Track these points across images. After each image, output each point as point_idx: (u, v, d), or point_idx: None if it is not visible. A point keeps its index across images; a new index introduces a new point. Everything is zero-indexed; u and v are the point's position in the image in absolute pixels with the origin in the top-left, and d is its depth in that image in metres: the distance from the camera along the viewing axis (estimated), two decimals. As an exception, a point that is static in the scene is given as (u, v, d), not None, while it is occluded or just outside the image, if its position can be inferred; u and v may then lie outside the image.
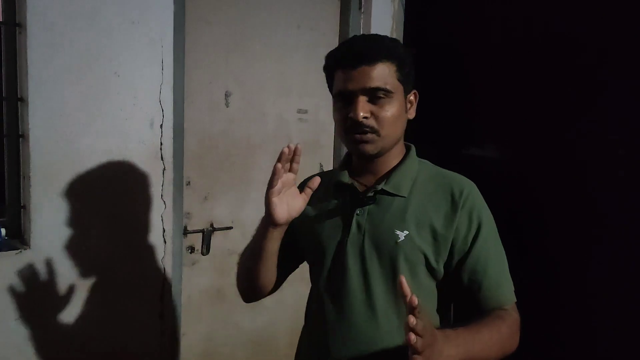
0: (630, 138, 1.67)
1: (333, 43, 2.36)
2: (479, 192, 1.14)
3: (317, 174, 1.26)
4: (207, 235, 2.08)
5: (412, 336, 0.79)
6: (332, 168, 2.27)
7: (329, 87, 1.19)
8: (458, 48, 2.28)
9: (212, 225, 2.11)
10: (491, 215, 1.14)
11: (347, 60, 1.08)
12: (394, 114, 1.08)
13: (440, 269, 1.11)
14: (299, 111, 2.32)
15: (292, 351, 1.82)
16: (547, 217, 1.91)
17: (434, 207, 1.11)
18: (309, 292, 1.30)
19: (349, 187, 1.17)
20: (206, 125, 2.06)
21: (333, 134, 2.44)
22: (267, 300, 2.24)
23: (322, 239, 1.18)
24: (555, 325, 1.88)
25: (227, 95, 2.10)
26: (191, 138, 2.01)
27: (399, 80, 1.09)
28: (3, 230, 1.63)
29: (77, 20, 1.63)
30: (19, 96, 1.63)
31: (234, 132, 2.13)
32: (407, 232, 1.09)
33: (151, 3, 1.75)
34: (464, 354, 0.92)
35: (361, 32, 2.40)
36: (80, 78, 1.65)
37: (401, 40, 2.53)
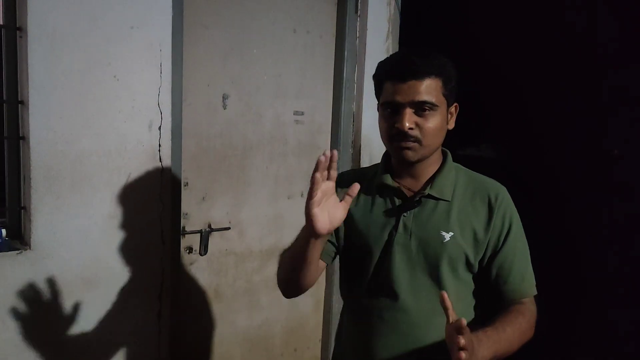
0: (626, 138, 1.70)
1: (329, 46, 2.39)
2: (509, 195, 1.26)
3: (349, 172, 1.42)
4: (204, 235, 2.11)
5: (463, 355, 0.92)
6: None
7: (376, 94, 1.26)
8: (454, 51, 2.30)
9: (209, 225, 2.14)
10: (519, 217, 1.26)
11: (397, 73, 1.16)
12: (436, 125, 1.17)
13: (477, 264, 1.23)
14: (296, 113, 2.34)
15: (288, 349, 1.88)
16: (544, 217, 1.94)
17: (474, 211, 1.23)
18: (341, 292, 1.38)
19: (395, 190, 1.25)
20: (204, 127, 2.08)
21: (329, 135, 2.47)
22: (263, 300, 2.28)
23: (369, 238, 1.25)
24: (555, 326, 1.91)
25: (224, 97, 2.12)
26: (189, 140, 2.03)
27: (443, 94, 1.18)
28: (3, 231, 1.65)
29: (78, 25, 1.65)
30: (19, 99, 1.65)
31: (231, 134, 2.16)
32: (452, 234, 1.20)
33: (150, 8, 1.77)
34: (494, 352, 1.06)
35: (357, 36, 2.43)
36: (80, 81, 1.67)
37: (397, 43, 2.55)
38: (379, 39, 2.48)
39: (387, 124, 1.20)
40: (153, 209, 1.87)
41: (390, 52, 2.53)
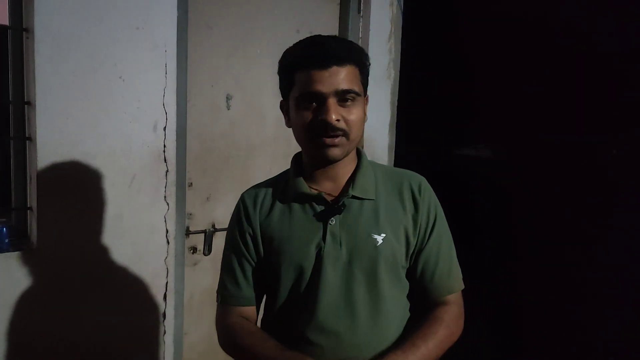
0: (623, 138, 1.71)
1: (332, 47, 2.40)
2: (429, 185, 1.19)
3: (254, 187, 1.22)
4: (208, 235, 2.11)
5: None
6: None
7: (283, 88, 1.12)
8: (456, 51, 2.31)
9: (213, 225, 2.14)
10: (441, 207, 1.19)
11: (317, 59, 1.03)
12: (360, 117, 1.07)
13: (407, 264, 1.15)
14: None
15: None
16: (539, 217, 1.95)
17: (402, 207, 1.14)
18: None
19: (313, 197, 1.12)
20: (208, 128, 2.09)
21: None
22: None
23: (295, 256, 1.10)
24: (555, 326, 1.92)
25: (228, 98, 2.13)
26: (193, 140, 2.04)
27: (362, 83, 1.09)
28: (4, 229, 1.65)
29: (83, 26, 1.66)
30: (25, 100, 1.66)
31: (234, 134, 2.17)
32: (385, 235, 1.10)
33: (155, 9, 1.78)
34: None
35: (360, 36, 2.44)
36: (85, 82, 1.68)
37: (399, 44, 2.56)
38: (381, 40, 2.49)
39: (306, 119, 1.05)
40: (158, 209, 1.88)
41: (393, 53, 2.54)
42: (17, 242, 1.68)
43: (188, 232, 2.06)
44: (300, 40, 1.11)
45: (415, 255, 1.15)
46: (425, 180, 1.18)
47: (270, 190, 1.19)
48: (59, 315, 1.72)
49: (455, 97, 2.30)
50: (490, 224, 2.14)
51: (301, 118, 1.06)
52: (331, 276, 1.09)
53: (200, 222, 2.11)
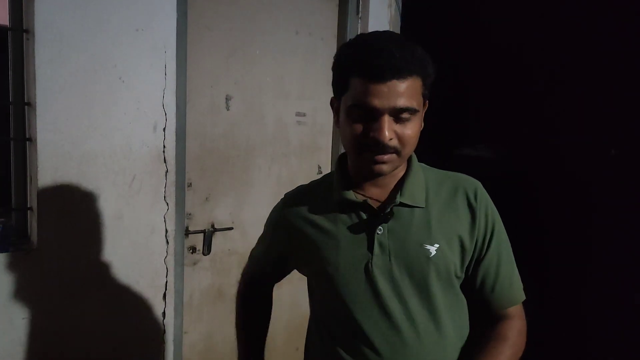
0: (622, 138, 1.71)
1: (331, 48, 2.41)
2: (486, 190, 1.11)
3: (296, 192, 1.19)
4: (208, 235, 2.12)
5: None
6: (322, 174, 2.29)
7: (337, 89, 1.02)
8: (454, 53, 2.32)
9: (213, 225, 2.15)
10: (498, 213, 1.11)
11: (375, 69, 0.92)
12: (415, 132, 0.98)
13: (463, 275, 1.07)
14: (298, 114, 2.36)
15: (290, 348, 1.88)
16: (542, 217, 1.96)
17: (455, 215, 1.06)
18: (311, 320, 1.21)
19: (359, 205, 1.05)
20: (207, 128, 2.10)
21: (331, 136, 2.49)
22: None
23: (341, 267, 1.04)
24: (554, 326, 1.93)
25: (227, 99, 2.14)
26: (193, 141, 2.05)
27: (423, 95, 0.99)
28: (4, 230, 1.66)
29: (84, 28, 1.66)
30: (26, 100, 1.66)
31: (234, 135, 2.18)
32: (438, 245, 1.02)
33: (155, 11, 1.79)
34: None
35: (358, 37, 2.44)
36: (86, 83, 1.69)
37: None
38: (380, 41, 2.50)
39: (357, 131, 0.96)
40: (158, 209, 1.89)
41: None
42: (18, 242, 1.68)
43: (187, 232, 2.07)
44: (359, 38, 1.00)
45: (473, 266, 1.07)
46: (481, 184, 1.10)
47: (314, 193, 1.14)
48: (59, 314, 1.73)
49: (455, 98, 2.31)
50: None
51: (351, 129, 0.97)
52: (384, 289, 1.02)
53: (199, 222, 2.12)
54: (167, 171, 1.89)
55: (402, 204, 1.04)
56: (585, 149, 1.82)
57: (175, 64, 1.87)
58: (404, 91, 0.93)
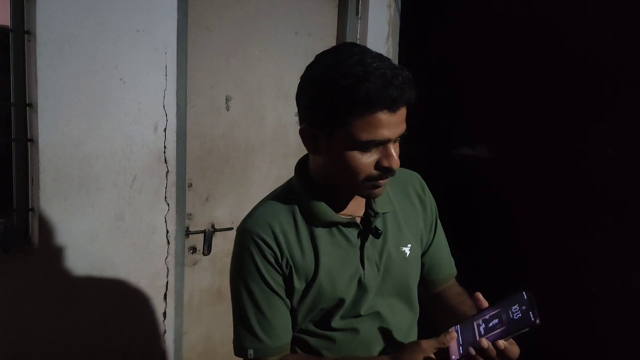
0: (620, 138, 1.72)
1: (330, 48, 2.41)
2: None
3: (264, 215, 1.02)
4: (208, 235, 2.13)
5: None
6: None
7: (326, 120, 0.90)
8: (453, 53, 2.33)
9: (213, 226, 2.16)
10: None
11: (389, 100, 0.85)
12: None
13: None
14: (297, 114, 2.35)
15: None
16: (538, 217, 1.97)
17: (414, 211, 1.11)
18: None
19: (346, 223, 1.01)
20: (207, 129, 2.10)
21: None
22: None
23: (337, 288, 1.00)
24: (553, 324, 1.94)
25: (227, 99, 2.14)
26: (193, 141, 2.05)
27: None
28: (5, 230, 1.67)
29: (85, 28, 1.67)
30: (27, 102, 1.67)
31: (234, 135, 2.18)
32: (410, 245, 1.07)
33: (156, 12, 1.79)
34: None
35: (358, 38, 2.45)
36: (87, 84, 1.69)
37: (397, 46, 2.58)
38: (379, 42, 2.51)
39: (364, 163, 0.90)
40: (158, 209, 1.89)
41: (391, 55, 2.56)
42: (19, 243, 1.68)
43: (188, 233, 2.08)
44: (353, 67, 0.86)
45: (427, 250, 1.15)
46: (419, 175, 1.17)
47: (283, 217, 1.01)
48: (60, 315, 1.73)
49: (453, 98, 2.32)
50: (487, 224, 2.17)
51: (357, 162, 0.90)
52: (375, 300, 1.04)
53: (199, 223, 2.13)
54: (167, 171, 1.90)
55: (377, 214, 1.04)
56: (584, 148, 1.82)
57: (176, 64, 1.87)
58: (404, 116, 0.91)
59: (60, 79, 1.64)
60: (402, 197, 1.10)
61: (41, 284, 1.68)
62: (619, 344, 1.74)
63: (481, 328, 0.89)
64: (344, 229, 1.02)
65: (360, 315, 1.04)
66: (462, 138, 2.29)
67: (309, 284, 1.00)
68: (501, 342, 0.85)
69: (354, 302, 1.03)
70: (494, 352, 0.85)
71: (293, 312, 1.04)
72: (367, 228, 1.03)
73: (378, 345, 1.07)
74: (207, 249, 2.14)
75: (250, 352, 1.03)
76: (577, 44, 1.84)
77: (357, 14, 2.44)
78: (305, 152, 1.04)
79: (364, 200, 1.05)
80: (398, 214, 1.07)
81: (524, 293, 0.88)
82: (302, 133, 0.97)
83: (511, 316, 0.86)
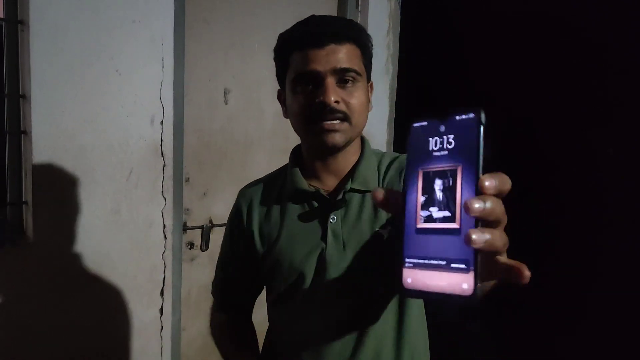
0: (620, 137, 1.70)
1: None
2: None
3: (256, 182, 1.14)
4: (206, 231, 2.10)
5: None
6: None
7: (279, 74, 1.04)
8: (454, 46, 2.31)
9: (211, 221, 2.13)
10: None
11: (312, 37, 0.94)
12: (362, 101, 0.97)
13: None
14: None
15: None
16: (537, 216, 1.94)
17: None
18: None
19: (312, 194, 1.02)
20: (205, 122, 2.08)
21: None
22: (263, 296, 2.28)
23: (295, 259, 1.00)
24: (552, 324, 1.91)
25: (226, 92, 2.11)
26: (191, 135, 2.02)
27: (364, 64, 0.99)
28: None
29: (79, 19, 1.64)
30: (21, 93, 1.63)
31: (232, 129, 2.15)
32: (390, 228, 0.99)
33: (152, 2, 1.77)
34: None
35: (358, 31, 2.42)
36: (81, 75, 1.66)
37: (397, 39, 2.55)
38: (379, 35, 2.48)
39: (302, 102, 0.95)
40: (155, 203, 1.87)
41: (391, 48, 2.53)
42: (13, 237, 1.66)
43: (185, 228, 2.05)
44: (297, 22, 1.01)
45: None
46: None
47: (267, 187, 1.10)
48: (56, 310, 1.70)
49: (454, 92, 2.29)
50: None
51: (297, 102, 0.96)
52: (335, 277, 0.97)
53: (197, 218, 2.10)
54: (164, 165, 1.87)
55: (353, 190, 1.01)
56: (583, 148, 1.80)
57: (173, 56, 1.84)
58: (344, 54, 0.94)
59: (55, 70, 1.61)
60: (392, 176, 1.03)
61: (36, 279, 1.65)
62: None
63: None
64: (313, 202, 1.02)
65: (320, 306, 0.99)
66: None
67: (269, 248, 1.04)
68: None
69: (314, 280, 0.98)
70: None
71: (256, 278, 1.12)
72: (335, 201, 1.00)
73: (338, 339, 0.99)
74: (205, 244, 2.11)
75: (212, 291, 1.22)
76: (579, 38, 1.82)
77: (357, 7, 2.41)
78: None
79: (344, 173, 1.04)
80: None
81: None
82: (278, 97, 1.09)
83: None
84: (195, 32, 1.99)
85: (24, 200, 1.69)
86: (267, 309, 1.14)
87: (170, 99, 1.86)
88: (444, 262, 0.47)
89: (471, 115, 0.49)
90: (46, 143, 1.62)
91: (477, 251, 0.45)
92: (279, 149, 2.27)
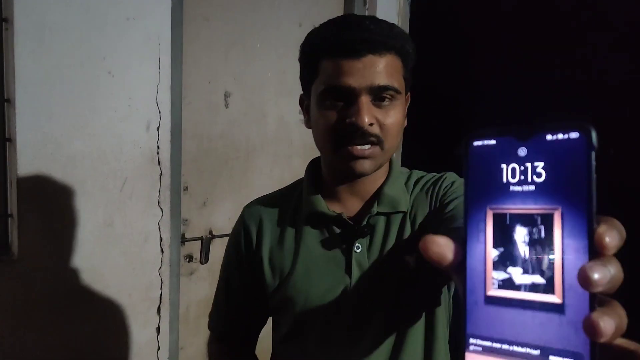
0: (620, 137, 1.66)
1: (336, 41, 2.31)
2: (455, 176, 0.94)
3: (263, 199, 1.01)
4: (205, 243, 2.01)
5: None
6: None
7: (305, 79, 0.90)
8: (464, 46, 2.25)
9: (211, 232, 2.04)
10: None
11: (347, 46, 0.80)
12: (399, 121, 0.85)
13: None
14: (301, 112, 2.25)
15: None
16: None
17: (424, 210, 0.90)
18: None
19: (333, 218, 0.89)
20: (205, 128, 1.99)
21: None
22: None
23: (312, 295, 0.89)
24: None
25: (226, 95, 2.04)
26: (189, 141, 1.94)
27: (404, 78, 0.87)
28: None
29: (68, 16, 1.56)
30: (5, 97, 1.55)
31: (233, 135, 2.07)
32: (417, 254, 0.81)
33: (147, -2, 1.69)
34: None
35: (365, 30, 2.35)
36: (71, 77, 1.58)
37: (406, 39, 2.48)
38: (387, 34, 2.40)
39: (330, 121, 0.83)
40: (151, 215, 1.78)
41: (400, 48, 2.46)
42: (-4, 252, 1.57)
43: (184, 240, 1.96)
44: (328, 20, 0.87)
45: None
46: (454, 174, 0.93)
47: (278, 206, 0.97)
48: (43, 330, 1.61)
49: (464, 92, 2.24)
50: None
51: (324, 119, 0.83)
52: (359, 315, 0.87)
53: (196, 229, 2.01)
54: (161, 174, 1.79)
55: (380, 214, 0.89)
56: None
57: (170, 57, 1.76)
58: (383, 68, 0.80)
59: (41, 71, 1.53)
60: (419, 195, 0.92)
61: (21, 296, 1.56)
62: None
63: None
64: (334, 227, 0.90)
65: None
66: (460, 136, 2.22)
67: (282, 282, 0.91)
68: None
69: (334, 321, 0.87)
70: None
71: (263, 309, 1.00)
72: (360, 227, 0.88)
73: None
74: (205, 257, 2.01)
75: (209, 321, 1.14)
76: (581, 37, 1.79)
77: (364, 5, 2.33)
78: (311, 152, 0.95)
79: (369, 195, 0.92)
80: (416, 216, 0.89)
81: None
82: (300, 103, 0.96)
83: None
84: (193, 30, 1.91)
85: (8, 212, 1.59)
86: (273, 342, 1.02)
87: (167, 103, 1.78)
88: (535, 352, 0.33)
89: (574, 134, 0.33)
90: (32, 151, 1.54)
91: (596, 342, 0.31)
92: (283, 156, 2.19)
